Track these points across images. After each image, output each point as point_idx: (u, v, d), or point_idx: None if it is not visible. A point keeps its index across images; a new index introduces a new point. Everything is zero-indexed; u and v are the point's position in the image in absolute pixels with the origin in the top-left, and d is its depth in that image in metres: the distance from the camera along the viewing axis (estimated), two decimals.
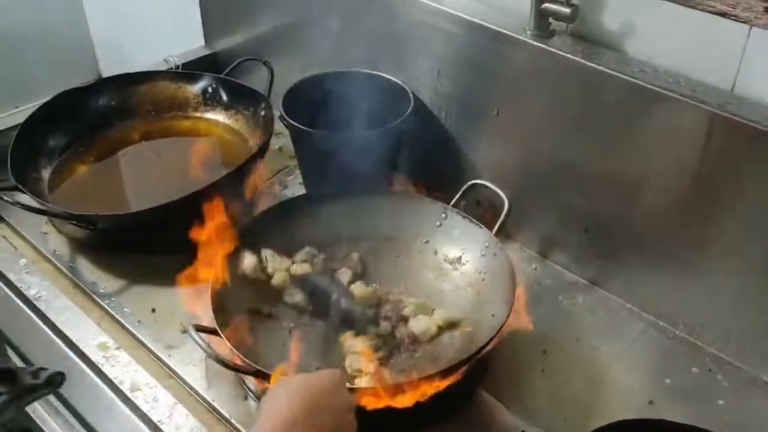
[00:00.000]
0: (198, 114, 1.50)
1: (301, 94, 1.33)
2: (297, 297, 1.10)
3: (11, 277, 1.20)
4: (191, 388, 1.03)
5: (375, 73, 1.34)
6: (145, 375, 1.04)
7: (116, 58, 2.13)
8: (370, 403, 0.91)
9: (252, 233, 1.13)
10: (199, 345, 0.91)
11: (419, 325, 1.05)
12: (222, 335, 0.95)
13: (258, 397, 1.00)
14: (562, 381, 1.05)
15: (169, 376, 1.06)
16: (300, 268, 1.13)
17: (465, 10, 1.19)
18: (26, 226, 1.29)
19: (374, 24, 1.33)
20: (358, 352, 1.00)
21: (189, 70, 1.57)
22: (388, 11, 1.29)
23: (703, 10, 0.97)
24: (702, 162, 1.00)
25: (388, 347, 1.03)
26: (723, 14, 0.95)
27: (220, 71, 1.54)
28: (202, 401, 1.02)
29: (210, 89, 1.49)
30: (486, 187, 1.16)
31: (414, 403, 0.91)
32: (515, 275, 1.03)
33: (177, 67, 1.60)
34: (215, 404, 1.01)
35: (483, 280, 1.11)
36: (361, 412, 0.88)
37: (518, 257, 1.21)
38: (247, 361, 0.92)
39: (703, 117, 0.97)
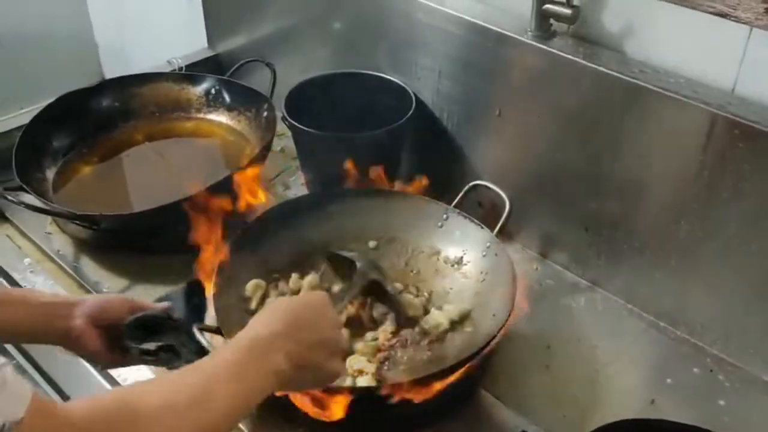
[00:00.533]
0: (201, 115, 1.50)
1: (304, 95, 1.33)
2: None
3: (15, 276, 1.21)
4: None
5: (377, 74, 1.34)
6: (147, 374, 1.04)
7: (120, 60, 2.14)
8: (371, 403, 0.91)
9: (254, 233, 1.14)
10: (203, 344, 0.92)
11: (432, 319, 1.05)
12: (225, 334, 0.95)
13: None
14: (562, 380, 1.05)
15: None
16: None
17: (466, 12, 1.19)
18: (30, 225, 1.30)
19: (376, 25, 1.34)
20: (358, 352, 1.01)
21: (192, 72, 1.58)
22: (389, 13, 1.30)
23: (703, 11, 0.97)
24: (702, 162, 1.00)
25: (388, 347, 1.03)
26: (723, 15, 0.95)
27: (222, 73, 1.55)
28: None
29: (213, 91, 1.50)
30: (487, 187, 1.17)
31: (414, 402, 0.92)
32: (516, 276, 1.03)
33: (180, 68, 1.61)
34: None
35: (484, 280, 1.11)
36: (361, 411, 0.89)
37: (519, 257, 1.22)
38: None
39: (703, 117, 0.98)
